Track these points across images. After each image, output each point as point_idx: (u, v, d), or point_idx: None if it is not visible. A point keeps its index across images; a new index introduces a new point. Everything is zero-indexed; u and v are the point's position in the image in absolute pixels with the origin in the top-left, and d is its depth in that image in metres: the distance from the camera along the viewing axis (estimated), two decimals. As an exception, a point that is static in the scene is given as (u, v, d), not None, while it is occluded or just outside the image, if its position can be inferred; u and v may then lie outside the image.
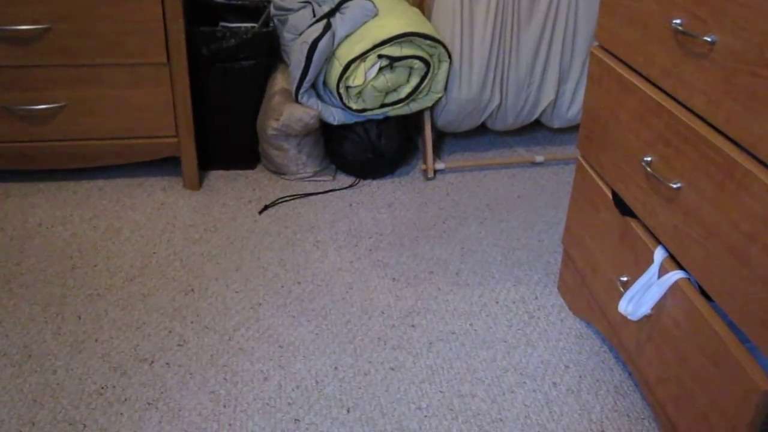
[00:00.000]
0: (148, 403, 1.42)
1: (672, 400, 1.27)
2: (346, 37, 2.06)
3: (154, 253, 1.87)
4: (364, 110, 2.12)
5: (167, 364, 1.52)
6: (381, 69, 2.06)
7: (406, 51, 2.05)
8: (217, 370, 1.50)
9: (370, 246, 1.93)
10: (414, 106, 2.20)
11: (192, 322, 1.63)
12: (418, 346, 1.59)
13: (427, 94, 2.18)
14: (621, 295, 1.37)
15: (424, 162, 2.29)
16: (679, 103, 1.22)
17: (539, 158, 2.38)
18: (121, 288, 1.74)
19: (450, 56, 2.13)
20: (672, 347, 1.26)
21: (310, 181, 2.22)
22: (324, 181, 2.23)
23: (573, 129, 2.57)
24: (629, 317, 1.32)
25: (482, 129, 2.48)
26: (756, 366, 1.06)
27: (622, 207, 1.42)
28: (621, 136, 1.40)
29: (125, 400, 1.42)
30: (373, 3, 2.07)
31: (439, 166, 2.30)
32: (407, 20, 2.05)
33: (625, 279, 1.40)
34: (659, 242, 1.31)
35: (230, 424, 1.38)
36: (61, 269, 1.79)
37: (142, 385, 1.46)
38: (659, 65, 1.25)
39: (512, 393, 1.47)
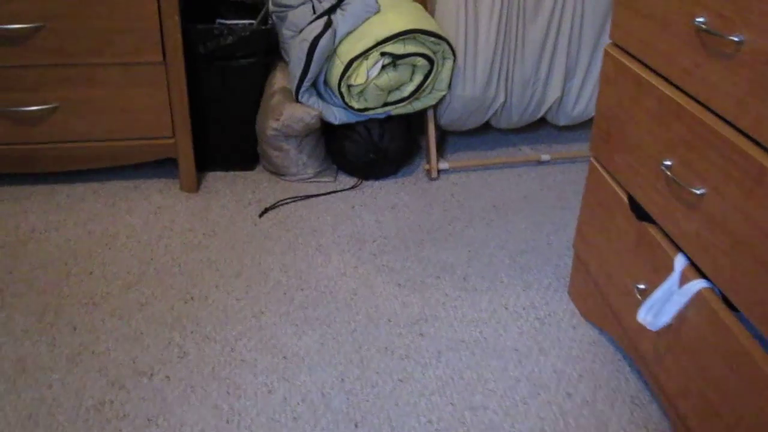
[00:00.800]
0: (148, 419, 1.36)
1: (694, 413, 1.22)
2: (348, 34, 2.00)
3: (152, 259, 1.81)
4: (366, 109, 2.06)
5: (167, 377, 1.46)
6: (384, 67, 2.00)
7: (410, 48, 1.99)
8: (220, 383, 1.45)
9: (374, 250, 1.87)
10: (417, 105, 2.14)
11: (192, 332, 1.58)
12: (426, 356, 1.53)
13: (430, 92, 2.13)
14: (638, 303, 1.32)
15: (428, 162, 2.24)
16: (702, 105, 1.17)
17: (545, 157, 2.32)
18: (118, 296, 1.68)
19: (454, 53, 2.07)
20: (694, 359, 1.21)
21: (311, 182, 2.16)
22: (325, 182, 2.17)
23: (579, 126, 2.52)
24: (648, 327, 1.27)
25: (486, 127, 2.43)
26: (788, 383, 1.01)
27: (639, 212, 1.36)
28: (637, 138, 1.34)
29: (124, 416, 1.37)
30: (377, 2, 2.01)
31: (443, 165, 2.24)
32: (410, 17, 1.99)
33: (642, 287, 1.35)
34: (679, 249, 1.26)
35: (234, 441, 1.33)
36: (55, 277, 1.73)
37: (142, 399, 1.41)
38: (680, 65, 1.20)
39: (525, 405, 1.42)
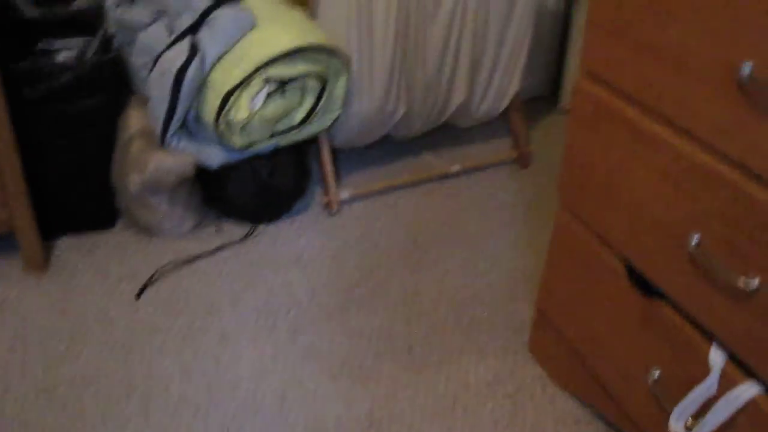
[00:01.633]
0: None
1: None
2: (220, 58, 1.60)
3: (5, 391, 1.37)
4: (250, 145, 1.69)
5: None
6: (269, 95, 1.63)
7: (299, 69, 1.63)
8: None
9: (290, 326, 1.53)
10: (309, 130, 1.78)
11: (83, 499, 1.19)
12: (394, 479, 1.24)
13: (323, 114, 1.78)
14: (647, 389, 1.09)
15: (326, 194, 1.90)
16: (746, 171, 0.91)
17: (455, 168, 2.05)
18: (-33, 458, 1.25)
19: (349, 67, 1.73)
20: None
21: (191, 238, 1.77)
22: (209, 234, 1.79)
23: (482, 126, 2.25)
24: (683, 436, 1.04)
25: (383, 138, 2.11)
26: None
27: (645, 287, 1.12)
28: (639, 199, 1.08)
29: None
30: (249, 10, 1.62)
31: (344, 195, 1.91)
32: (294, 29, 1.62)
33: (657, 374, 1.11)
34: (712, 337, 1.02)
35: None
36: None
37: None
38: (710, 120, 0.93)
39: None
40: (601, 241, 1.21)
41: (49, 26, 1.78)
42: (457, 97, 1.97)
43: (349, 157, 2.10)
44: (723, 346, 1.00)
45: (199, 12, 1.61)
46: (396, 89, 1.85)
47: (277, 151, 1.77)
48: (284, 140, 1.74)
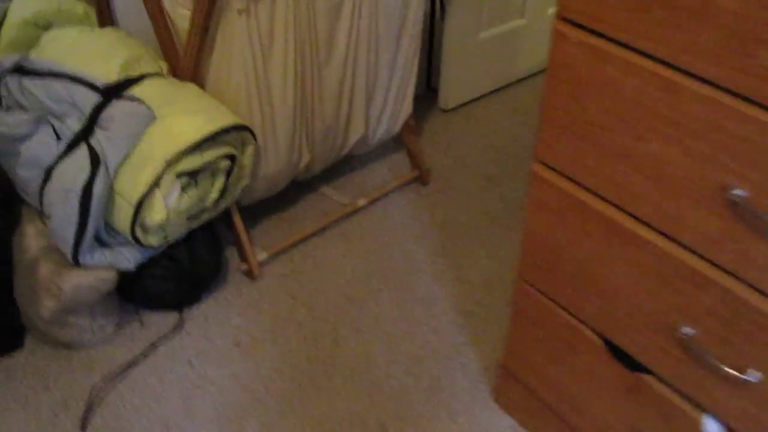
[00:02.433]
0: None
1: None
2: (124, 160, 1.46)
3: None
4: (165, 238, 1.58)
5: None
6: (183, 188, 1.52)
7: (209, 155, 1.53)
8: None
9: (257, 429, 1.48)
10: (221, 206, 1.69)
11: None
12: None
13: (234, 187, 1.68)
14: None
15: (243, 260, 1.82)
16: (737, 278, 0.96)
17: (361, 202, 2.02)
18: None
19: (255, 135, 1.64)
20: None
21: (116, 343, 1.65)
22: (134, 332, 1.67)
23: (375, 151, 2.23)
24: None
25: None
26: None
27: (628, 361, 1.17)
28: (618, 288, 1.12)
29: None
30: (143, 101, 1.48)
31: (261, 257, 1.84)
32: (199, 114, 1.51)
33: (649, 439, 1.18)
34: (706, 410, 1.09)
35: None
36: None
37: None
38: (696, 229, 0.97)
39: None
40: (573, 316, 1.24)
41: None
42: (356, 134, 1.93)
43: (254, 212, 2.01)
44: (717, 419, 1.07)
45: (87, 112, 1.46)
46: (299, 141, 1.78)
47: (191, 233, 1.66)
48: (198, 223, 1.64)
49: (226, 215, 1.78)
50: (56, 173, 1.44)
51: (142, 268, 1.61)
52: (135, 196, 1.44)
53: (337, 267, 1.84)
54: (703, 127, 0.88)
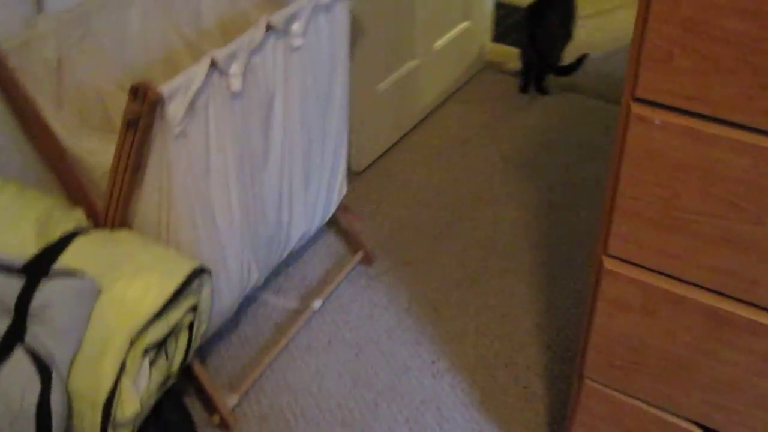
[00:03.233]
0: None
1: None
2: (75, 354, 1.16)
3: None
4: (136, 425, 1.28)
5: None
6: (151, 363, 1.23)
7: (174, 316, 1.25)
8: None
9: None
10: (185, 364, 1.41)
11: None
12: None
13: (196, 338, 1.41)
14: None
15: (214, 412, 1.54)
16: None
17: (317, 304, 1.79)
18: None
19: (209, 273, 1.37)
20: None
21: None
22: None
23: (311, 242, 2.00)
24: None
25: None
26: None
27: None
28: (728, 378, 1.00)
29: None
30: (81, 272, 1.18)
31: (232, 401, 1.57)
32: (153, 269, 1.22)
33: None
34: None
35: None
36: None
37: None
38: None
39: None
40: (667, 411, 1.11)
41: None
42: (297, 231, 1.71)
43: (202, 346, 1.72)
44: None
45: (12, 305, 1.14)
46: (247, 260, 1.54)
47: (159, 404, 1.37)
48: (165, 388, 1.36)
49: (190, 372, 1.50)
50: (-8, 393, 1.11)
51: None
52: (101, 395, 1.14)
53: (317, 389, 1.61)
54: None
